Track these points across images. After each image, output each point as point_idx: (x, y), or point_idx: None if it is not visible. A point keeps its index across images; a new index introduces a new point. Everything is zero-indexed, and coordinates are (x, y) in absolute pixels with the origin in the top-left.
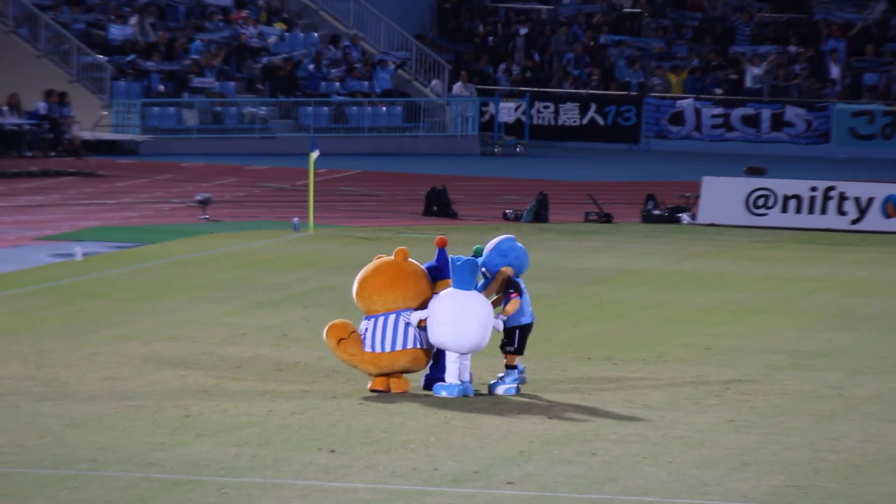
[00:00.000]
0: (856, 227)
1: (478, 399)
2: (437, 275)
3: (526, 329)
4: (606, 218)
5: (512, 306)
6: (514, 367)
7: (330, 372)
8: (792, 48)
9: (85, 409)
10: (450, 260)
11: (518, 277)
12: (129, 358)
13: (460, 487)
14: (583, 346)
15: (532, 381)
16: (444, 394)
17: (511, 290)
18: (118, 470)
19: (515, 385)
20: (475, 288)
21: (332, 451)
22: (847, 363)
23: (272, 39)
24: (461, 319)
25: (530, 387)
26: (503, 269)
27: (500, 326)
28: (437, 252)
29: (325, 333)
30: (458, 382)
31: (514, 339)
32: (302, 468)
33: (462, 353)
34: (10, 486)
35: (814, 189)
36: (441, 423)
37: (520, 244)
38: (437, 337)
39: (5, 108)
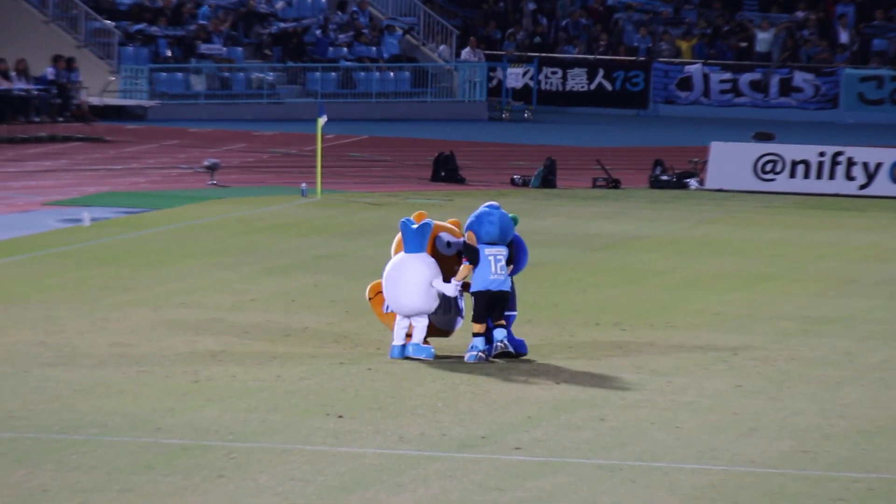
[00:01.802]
0: (864, 192)
1: (486, 365)
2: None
3: (480, 296)
4: (614, 183)
5: (460, 273)
6: (479, 335)
7: (338, 338)
8: (800, 13)
9: (94, 374)
10: (401, 223)
11: (490, 244)
12: (139, 324)
13: (468, 453)
14: (591, 312)
15: (540, 347)
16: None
17: (463, 256)
18: (127, 435)
19: (474, 353)
20: (422, 250)
21: (341, 417)
22: (856, 329)
23: (280, 5)
24: (399, 282)
25: (538, 352)
26: (467, 234)
27: (451, 291)
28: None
29: (367, 290)
30: (399, 344)
31: (473, 306)
32: (310, 433)
33: (404, 315)
34: (21, 451)
35: (822, 154)
36: (449, 388)
37: (497, 212)
38: (385, 299)
39: (13, 74)
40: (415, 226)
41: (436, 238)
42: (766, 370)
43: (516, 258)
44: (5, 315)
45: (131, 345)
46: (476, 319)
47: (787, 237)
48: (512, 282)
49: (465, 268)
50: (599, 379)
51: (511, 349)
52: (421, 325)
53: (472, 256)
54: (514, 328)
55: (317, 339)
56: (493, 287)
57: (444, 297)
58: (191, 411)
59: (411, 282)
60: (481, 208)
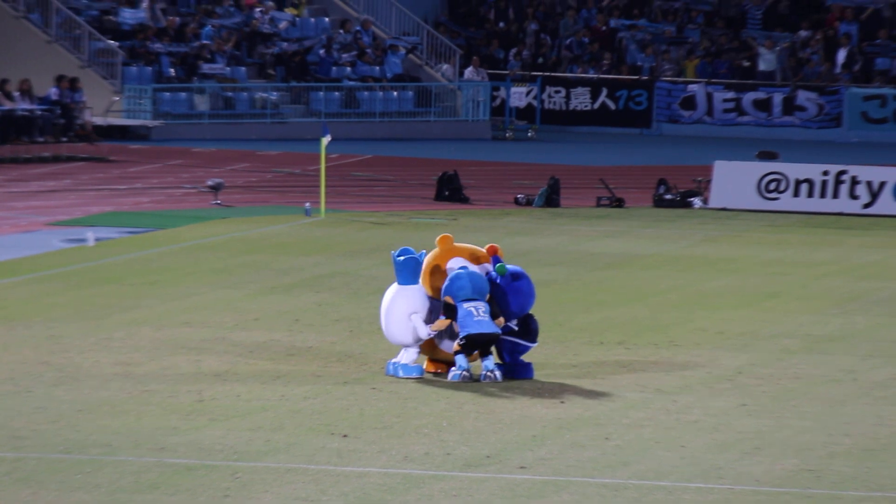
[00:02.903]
0: (868, 211)
1: (490, 384)
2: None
3: (469, 340)
4: (618, 202)
5: (436, 324)
6: (460, 353)
7: (342, 357)
8: (804, 32)
9: (98, 393)
10: (392, 255)
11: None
12: (142, 343)
13: (473, 472)
14: (595, 331)
15: (545, 366)
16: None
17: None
18: (131, 455)
19: (459, 372)
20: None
21: (345, 436)
22: (860, 347)
23: (283, 24)
24: (385, 312)
25: (543, 371)
26: (444, 298)
27: (425, 333)
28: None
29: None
30: (391, 361)
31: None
32: (315, 453)
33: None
34: (25, 471)
35: (825, 173)
36: (454, 407)
37: (465, 272)
38: None
39: (17, 94)
40: (401, 258)
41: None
42: (770, 388)
43: (514, 303)
44: (9, 334)
45: (135, 364)
46: (464, 351)
47: (790, 255)
48: (534, 318)
49: (440, 322)
50: (604, 398)
51: (499, 379)
52: (412, 349)
53: (449, 312)
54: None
55: (321, 359)
56: (479, 329)
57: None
58: (195, 431)
59: (392, 313)
60: (455, 274)
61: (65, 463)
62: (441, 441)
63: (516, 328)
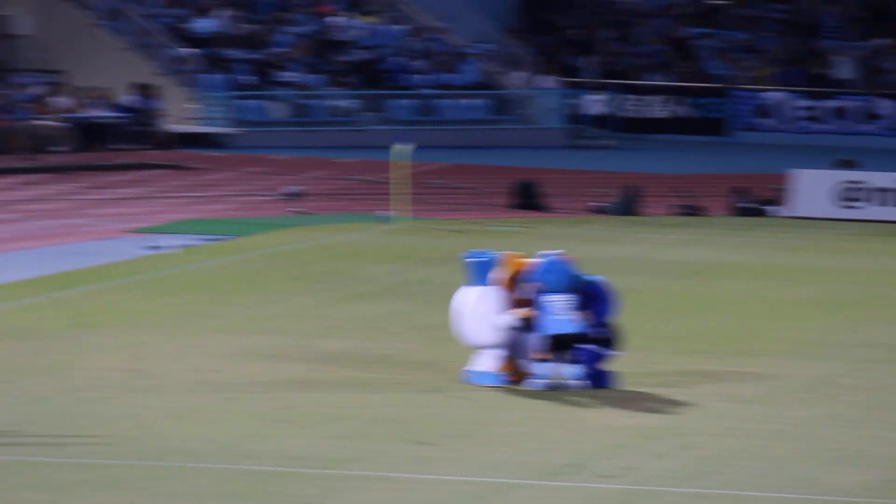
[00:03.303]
0: None
1: (572, 392)
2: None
3: (545, 338)
4: (695, 211)
5: (519, 311)
6: (544, 361)
7: (422, 364)
8: (880, 40)
9: (182, 401)
10: (463, 257)
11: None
12: (223, 350)
13: (553, 481)
14: (677, 340)
15: (626, 375)
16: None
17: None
18: (215, 462)
19: (539, 382)
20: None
21: (426, 444)
22: None
23: (358, 32)
24: (460, 314)
25: (624, 380)
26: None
27: (505, 322)
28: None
29: None
30: (467, 370)
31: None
32: (396, 461)
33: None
34: (109, 478)
35: None
36: (534, 416)
37: (551, 260)
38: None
39: (95, 102)
40: (473, 260)
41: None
42: (854, 398)
43: (595, 308)
44: (91, 342)
45: (216, 371)
46: (539, 350)
47: (870, 264)
48: (611, 325)
49: (525, 311)
50: (684, 407)
51: (585, 387)
52: (490, 354)
53: (530, 304)
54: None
55: (400, 366)
56: (556, 329)
57: (514, 339)
58: (278, 438)
59: (468, 314)
60: (544, 260)
61: (149, 470)
62: (522, 449)
63: (599, 334)
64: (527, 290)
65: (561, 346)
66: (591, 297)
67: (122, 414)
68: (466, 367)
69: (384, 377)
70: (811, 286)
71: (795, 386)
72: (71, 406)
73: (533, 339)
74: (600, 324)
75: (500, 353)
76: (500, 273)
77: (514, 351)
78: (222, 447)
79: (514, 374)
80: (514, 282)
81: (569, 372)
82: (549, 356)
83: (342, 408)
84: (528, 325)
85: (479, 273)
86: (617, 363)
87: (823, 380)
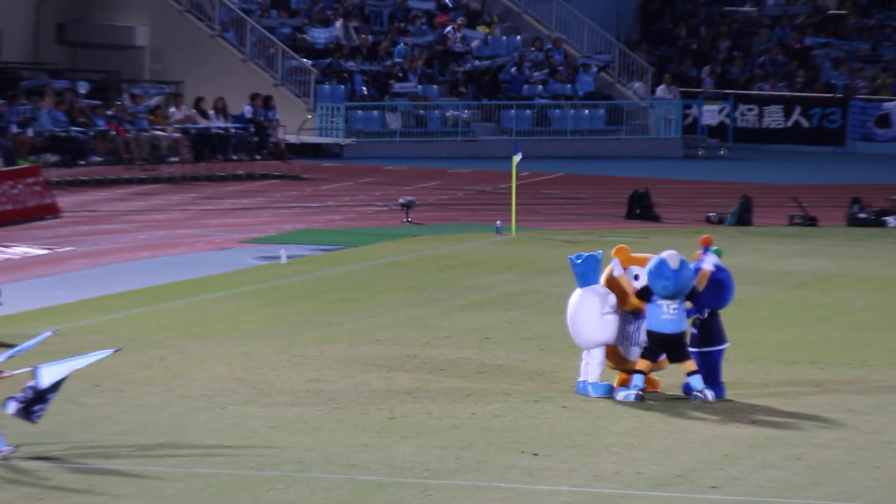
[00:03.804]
0: None
1: (681, 403)
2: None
3: (653, 336)
4: (811, 221)
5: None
6: (639, 373)
7: (533, 375)
8: None
9: (290, 410)
10: (570, 259)
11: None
12: (334, 360)
13: (664, 491)
14: (787, 350)
15: (736, 385)
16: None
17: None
18: (323, 471)
19: (633, 392)
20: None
21: (535, 454)
22: None
23: (475, 43)
24: (574, 317)
25: (734, 390)
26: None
27: (613, 301)
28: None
29: None
30: (581, 380)
31: (647, 343)
32: (505, 471)
33: (586, 349)
34: (218, 487)
35: None
36: (644, 426)
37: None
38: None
39: (212, 112)
40: (579, 261)
41: (626, 270)
42: None
43: (713, 295)
44: (203, 350)
45: (327, 381)
46: (644, 356)
47: None
48: (717, 315)
49: (630, 294)
50: (795, 417)
51: (710, 399)
52: (596, 361)
53: (644, 296)
54: None
55: (511, 376)
56: (667, 329)
57: (622, 328)
58: (386, 448)
59: (583, 315)
60: (660, 258)
61: (257, 479)
62: (631, 460)
63: (696, 329)
64: (637, 285)
65: (670, 346)
66: (713, 289)
67: (232, 423)
68: (577, 378)
69: (494, 387)
70: None
71: None
72: (181, 415)
73: (641, 332)
74: (712, 308)
75: (603, 358)
76: (610, 269)
77: (622, 340)
78: (329, 456)
79: (621, 366)
80: (623, 277)
81: (697, 384)
82: (654, 357)
83: (451, 417)
84: (636, 316)
85: (587, 272)
86: (727, 373)
87: None
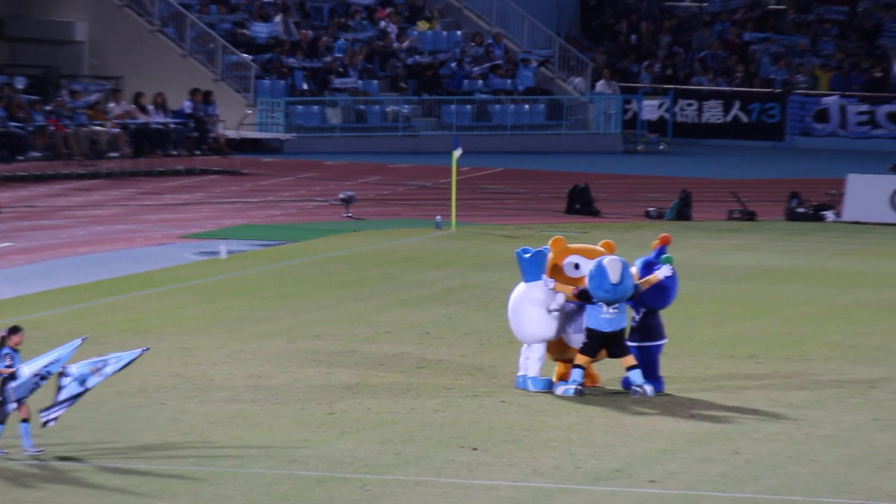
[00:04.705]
0: None
1: (620, 397)
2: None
3: (592, 334)
4: (750, 216)
5: (560, 287)
6: (578, 367)
7: (472, 370)
8: None
9: (230, 406)
10: (517, 253)
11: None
12: (274, 355)
13: (602, 486)
14: (726, 344)
15: (675, 379)
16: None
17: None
18: (262, 467)
19: (572, 387)
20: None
21: (475, 449)
22: None
23: (416, 38)
24: (518, 312)
25: (673, 385)
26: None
27: (561, 300)
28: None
29: None
30: (520, 374)
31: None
32: (444, 465)
33: (527, 343)
34: (157, 483)
35: None
36: (583, 421)
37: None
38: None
39: (151, 108)
40: (527, 255)
41: (565, 260)
42: None
43: (654, 297)
44: (142, 346)
45: (266, 376)
46: (583, 352)
47: None
48: (658, 314)
49: (566, 287)
50: (734, 411)
51: (649, 394)
52: (536, 356)
53: (584, 297)
54: None
55: (451, 371)
56: (605, 328)
57: (566, 317)
58: (326, 443)
59: (527, 310)
60: (601, 266)
61: (197, 475)
62: (570, 454)
63: (636, 322)
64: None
65: (609, 343)
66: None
67: (171, 419)
68: (517, 373)
69: (434, 382)
70: (864, 291)
71: (845, 391)
72: (120, 412)
73: (579, 323)
74: (654, 309)
75: (543, 352)
76: (551, 260)
77: (564, 329)
78: (269, 452)
79: (562, 355)
80: (562, 268)
81: (636, 379)
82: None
83: (391, 413)
84: (576, 324)
85: (534, 267)
86: (666, 368)
87: (873, 384)
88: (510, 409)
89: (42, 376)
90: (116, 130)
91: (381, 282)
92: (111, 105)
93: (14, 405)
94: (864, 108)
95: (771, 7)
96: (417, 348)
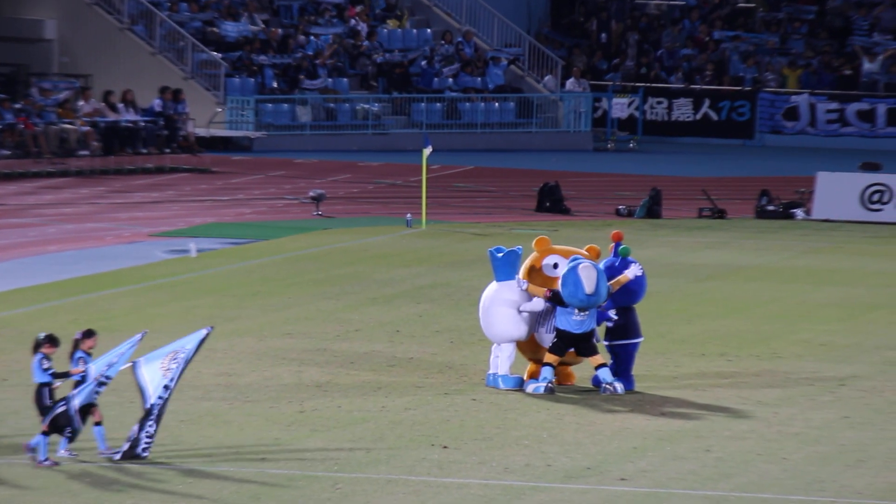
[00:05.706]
0: None
1: (591, 395)
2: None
3: (562, 334)
4: (720, 214)
5: (533, 289)
6: (548, 365)
7: (443, 368)
8: None
9: (200, 404)
10: (490, 252)
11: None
12: (244, 353)
13: (573, 483)
14: (697, 342)
15: (646, 377)
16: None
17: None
18: (233, 465)
19: (543, 385)
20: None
21: (446, 447)
22: None
23: (386, 36)
24: (489, 311)
25: (643, 383)
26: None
27: (539, 305)
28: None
29: None
30: (490, 373)
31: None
32: (415, 464)
33: (497, 342)
34: (127, 481)
35: None
36: (554, 419)
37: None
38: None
39: (121, 105)
40: (500, 255)
41: (543, 259)
42: (874, 401)
43: (624, 294)
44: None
45: (237, 374)
46: (552, 351)
47: (893, 267)
48: (633, 310)
49: (539, 289)
50: (705, 409)
51: (619, 392)
52: (506, 354)
53: (556, 300)
54: None
55: (421, 370)
56: (574, 330)
57: (539, 317)
58: (296, 441)
59: (498, 309)
60: (576, 276)
61: (167, 473)
62: (541, 452)
63: (612, 322)
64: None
65: (578, 343)
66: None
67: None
68: (488, 371)
69: (405, 380)
70: (834, 289)
71: (815, 388)
72: None
73: (551, 323)
74: (623, 305)
75: (513, 350)
76: (531, 260)
77: (537, 328)
78: (239, 451)
79: (534, 355)
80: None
81: (606, 376)
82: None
83: (361, 411)
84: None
85: (507, 266)
86: (636, 366)
87: (843, 382)
88: (481, 408)
89: (101, 382)
90: (86, 128)
91: (352, 280)
92: (81, 103)
93: (77, 415)
94: (834, 105)
95: (741, 5)
96: (388, 346)
